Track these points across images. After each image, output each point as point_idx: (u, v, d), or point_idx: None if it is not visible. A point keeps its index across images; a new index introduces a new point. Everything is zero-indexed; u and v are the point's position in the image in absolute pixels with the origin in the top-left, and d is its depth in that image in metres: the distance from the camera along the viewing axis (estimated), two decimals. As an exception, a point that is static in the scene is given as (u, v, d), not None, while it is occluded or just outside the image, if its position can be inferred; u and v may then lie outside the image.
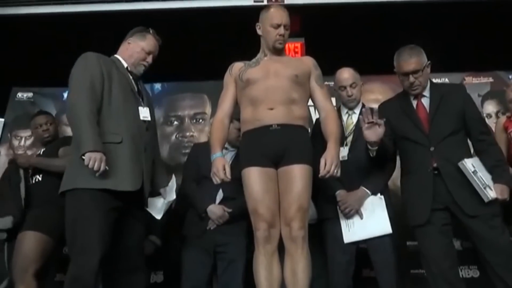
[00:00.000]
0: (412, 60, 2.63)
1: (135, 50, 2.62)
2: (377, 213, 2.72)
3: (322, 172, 2.37)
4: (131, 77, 2.59)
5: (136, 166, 2.41)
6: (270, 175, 2.43)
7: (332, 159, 2.37)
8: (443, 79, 4.24)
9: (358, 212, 2.74)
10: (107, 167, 2.26)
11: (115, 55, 2.63)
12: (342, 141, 2.78)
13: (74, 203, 2.29)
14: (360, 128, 2.56)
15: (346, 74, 2.93)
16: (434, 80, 2.89)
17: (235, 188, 2.72)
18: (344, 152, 2.80)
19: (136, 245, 2.48)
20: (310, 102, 2.68)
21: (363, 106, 2.96)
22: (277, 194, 2.42)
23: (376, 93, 4.33)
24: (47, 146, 3.31)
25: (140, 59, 2.61)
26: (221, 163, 2.41)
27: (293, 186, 2.38)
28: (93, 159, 2.22)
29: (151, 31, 2.68)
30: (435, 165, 2.55)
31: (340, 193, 2.77)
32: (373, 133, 2.51)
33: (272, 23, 2.59)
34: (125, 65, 2.60)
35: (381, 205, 2.73)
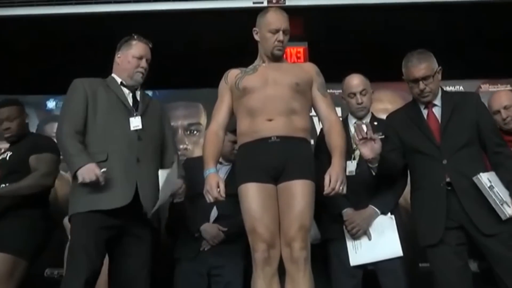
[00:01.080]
0: (422, 65, 2.63)
1: (126, 60, 2.69)
2: (386, 234, 2.70)
3: (327, 189, 2.36)
4: (127, 91, 2.68)
5: (126, 180, 2.48)
6: (269, 192, 2.42)
7: (337, 175, 2.37)
8: (457, 87, 4.24)
9: (366, 233, 2.72)
10: (104, 171, 2.42)
11: (111, 75, 2.73)
12: (349, 155, 2.78)
13: (71, 229, 2.50)
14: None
15: (356, 80, 2.93)
16: (447, 88, 2.90)
17: (230, 206, 2.71)
18: (351, 166, 2.79)
19: (140, 270, 2.53)
20: (313, 112, 2.68)
21: (373, 116, 2.97)
22: (277, 212, 2.41)
23: (386, 103, 4.34)
24: (14, 147, 3.17)
25: (133, 67, 2.68)
26: (214, 180, 2.41)
27: (294, 203, 2.37)
28: (85, 173, 2.39)
29: (135, 37, 2.73)
30: (448, 179, 2.54)
31: (347, 212, 2.75)
32: (369, 150, 2.53)
33: (270, 28, 2.59)
34: (119, 80, 2.69)
35: (391, 225, 2.72)
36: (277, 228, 2.39)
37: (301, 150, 2.48)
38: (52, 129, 4.16)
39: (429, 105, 2.70)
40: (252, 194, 2.41)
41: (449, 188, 2.54)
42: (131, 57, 2.67)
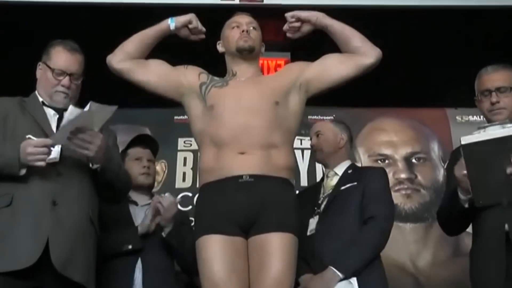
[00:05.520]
0: (497, 74, 2.75)
1: (43, 76, 2.69)
2: None
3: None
4: (51, 112, 2.66)
5: (33, 232, 2.43)
6: (238, 248, 2.43)
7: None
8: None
9: None
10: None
11: (35, 91, 2.73)
12: (312, 211, 2.95)
13: None
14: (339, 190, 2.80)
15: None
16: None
17: None
18: (312, 224, 2.93)
19: None
20: (295, 144, 2.75)
21: (352, 165, 3.16)
22: (246, 274, 2.43)
23: (390, 133, 4.44)
24: None
25: (51, 86, 2.65)
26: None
27: (270, 263, 2.38)
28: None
29: (56, 42, 2.71)
30: (506, 227, 2.55)
31: (304, 278, 2.84)
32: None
33: (232, 25, 2.77)
34: (41, 99, 2.69)
35: None
36: (248, 297, 2.42)
37: (281, 193, 2.53)
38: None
39: None
40: (215, 250, 2.42)
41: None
42: (49, 72, 2.65)
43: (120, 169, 2.77)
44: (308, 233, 2.87)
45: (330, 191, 3.03)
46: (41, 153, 2.42)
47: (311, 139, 3.24)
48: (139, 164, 3.29)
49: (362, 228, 2.87)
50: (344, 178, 3.03)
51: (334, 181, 3.07)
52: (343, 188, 2.97)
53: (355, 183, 2.95)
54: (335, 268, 2.77)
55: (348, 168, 3.10)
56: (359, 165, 3.89)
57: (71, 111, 2.55)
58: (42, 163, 2.43)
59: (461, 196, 2.60)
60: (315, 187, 3.24)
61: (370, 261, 2.85)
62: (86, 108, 2.47)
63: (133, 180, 3.09)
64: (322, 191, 3.09)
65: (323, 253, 2.83)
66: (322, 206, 2.98)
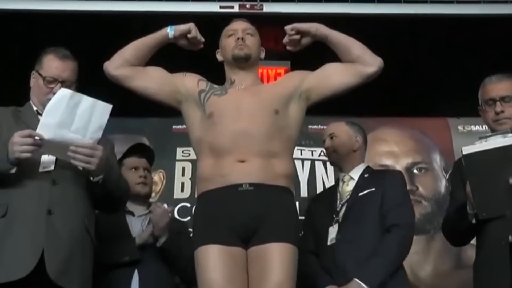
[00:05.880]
0: (502, 83, 2.75)
1: (36, 84, 2.71)
2: None
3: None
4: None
5: (29, 242, 2.44)
6: (237, 258, 2.43)
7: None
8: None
9: None
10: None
11: (29, 101, 2.75)
12: (331, 219, 2.94)
13: None
14: (357, 196, 2.79)
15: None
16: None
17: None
18: (332, 233, 2.91)
19: None
20: (295, 154, 2.74)
21: (368, 169, 3.13)
22: (245, 285, 2.42)
23: (391, 143, 4.44)
24: None
25: (43, 94, 2.66)
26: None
27: (270, 275, 2.37)
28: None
29: (48, 50, 2.72)
30: (510, 239, 2.52)
31: None
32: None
33: (228, 33, 2.78)
34: (35, 108, 2.70)
35: None
36: (246, 308, 2.41)
37: (281, 202, 2.53)
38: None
39: None
40: (214, 260, 2.41)
41: None
42: (41, 80, 2.66)
43: (120, 178, 2.77)
44: (329, 243, 2.86)
45: (348, 197, 3.01)
46: (25, 143, 2.40)
47: (324, 141, 3.23)
48: (136, 173, 3.30)
49: (385, 236, 2.85)
50: (361, 183, 3.02)
51: (350, 186, 3.06)
52: (361, 194, 2.96)
53: (373, 188, 2.94)
54: (360, 280, 2.75)
55: (364, 171, 3.09)
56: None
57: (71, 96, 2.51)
58: (27, 155, 2.40)
59: (470, 211, 2.59)
60: (330, 191, 3.22)
61: (395, 271, 2.85)
62: (85, 102, 2.50)
63: (131, 190, 3.08)
64: (338, 197, 3.06)
65: (345, 263, 2.81)
66: (341, 213, 2.96)
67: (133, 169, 3.31)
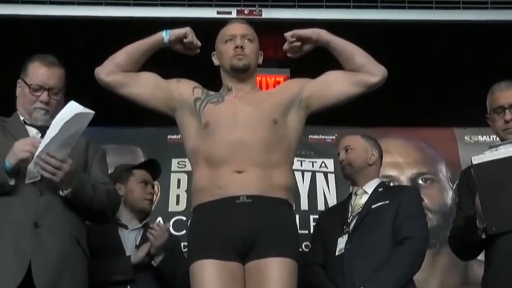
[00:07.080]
0: (511, 90, 2.75)
1: (21, 93, 2.70)
2: None
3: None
4: (34, 130, 2.66)
5: (15, 255, 2.44)
6: (234, 273, 2.42)
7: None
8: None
9: None
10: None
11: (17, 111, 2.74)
12: (341, 230, 2.95)
13: None
14: (370, 208, 2.77)
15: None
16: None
17: None
18: (341, 243, 2.92)
19: None
20: (295, 166, 2.72)
21: (382, 184, 3.15)
22: (243, 302, 2.41)
23: (395, 154, 4.43)
24: None
25: (29, 103, 2.66)
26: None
27: (268, 291, 2.37)
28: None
29: (34, 57, 2.71)
30: None
31: None
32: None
33: (225, 38, 2.73)
34: (22, 118, 2.69)
35: None
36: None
37: (281, 215, 2.51)
38: None
39: None
40: (210, 276, 2.40)
41: None
42: (27, 89, 2.65)
43: (96, 192, 2.67)
44: (337, 253, 2.88)
45: (360, 209, 3.02)
46: (28, 143, 2.45)
47: (339, 154, 3.22)
48: (145, 188, 3.34)
49: (397, 248, 2.85)
50: (374, 196, 3.03)
51: (363, 199, 3.07)
52: (374, 206, 2.98)
53: (387, 201, 2.95)
54: None
55: (379, 186, 3.10)
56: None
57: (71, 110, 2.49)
58: (27, 154, 2.42)
59: (479, 225, 2.58)
60: (342, 205, 3.23)
61: (405, 284, 2.84)
62: (69, 113, 2.44)
63: (136, 203, 3.18)
64: (350, 210, 3.08)
65: (354, 273, 2.82)
66: (352, 225, 2.97)
67: (143, 183, 3.34)
